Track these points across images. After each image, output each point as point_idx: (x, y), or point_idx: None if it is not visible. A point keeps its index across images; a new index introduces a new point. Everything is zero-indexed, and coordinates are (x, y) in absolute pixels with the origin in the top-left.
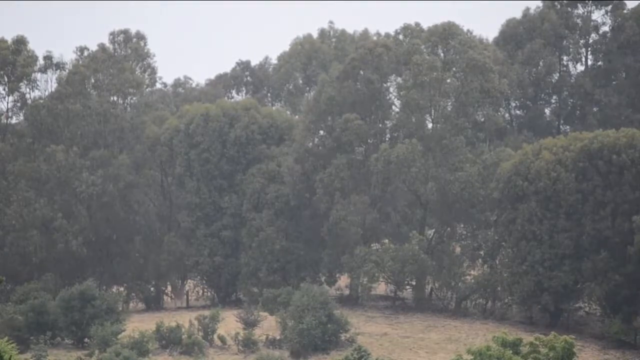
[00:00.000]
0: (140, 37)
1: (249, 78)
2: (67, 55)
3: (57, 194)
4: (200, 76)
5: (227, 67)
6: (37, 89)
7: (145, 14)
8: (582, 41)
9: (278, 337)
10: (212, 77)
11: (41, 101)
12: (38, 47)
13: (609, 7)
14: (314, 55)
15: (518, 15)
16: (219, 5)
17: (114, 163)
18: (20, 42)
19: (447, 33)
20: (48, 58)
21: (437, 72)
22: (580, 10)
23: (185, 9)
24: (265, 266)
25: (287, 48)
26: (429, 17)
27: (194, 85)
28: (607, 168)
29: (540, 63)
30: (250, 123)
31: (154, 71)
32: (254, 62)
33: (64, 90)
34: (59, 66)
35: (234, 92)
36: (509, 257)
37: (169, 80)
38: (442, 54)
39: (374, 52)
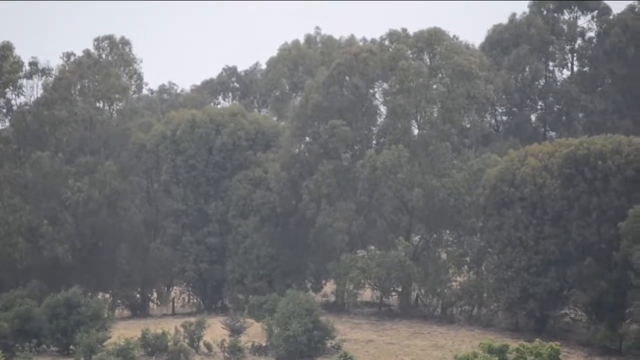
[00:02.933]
0: (125, 42)
1: (235, 84)
2: (53, 61)
3: (42, 201)
4: (186, 82)
5: (213, 73)
6: (22, 94)
7: (130, 19)
8: (568, 47)
9: (264, 344)
10: (198, 83)
11: (27, 107)
12: (23, 52)
13: (595, 13)
14: (301, 61)
15: (504, 20)
16: (203, 10)
17: (99, 170)
18: (6, 48)
19: (433, 39)
20: (34, 64)
21: (423, 77)
22: (566, 16)
23: (169, 14)
24: (251, 273)
25: (274, 54)
26: (415, 23)
27: (179, 91)
28: (592, 174)
29: (526, 69)
30: (237, 129)
31: (140, 77)
32: (241, 68)
33: (49, 96)
34: (45, 72)
35: (220, 98)
36: (495, 264)
37: (154, 86)
38: (428, 60)
39: (359, 57)
